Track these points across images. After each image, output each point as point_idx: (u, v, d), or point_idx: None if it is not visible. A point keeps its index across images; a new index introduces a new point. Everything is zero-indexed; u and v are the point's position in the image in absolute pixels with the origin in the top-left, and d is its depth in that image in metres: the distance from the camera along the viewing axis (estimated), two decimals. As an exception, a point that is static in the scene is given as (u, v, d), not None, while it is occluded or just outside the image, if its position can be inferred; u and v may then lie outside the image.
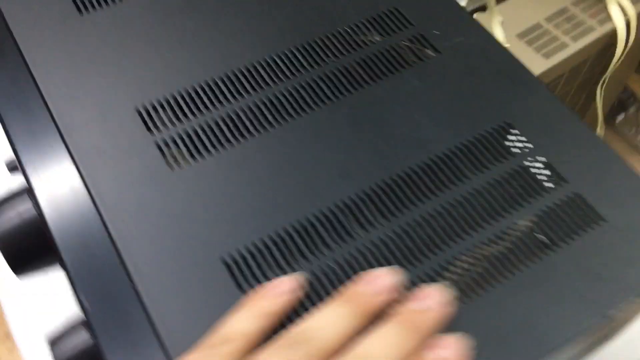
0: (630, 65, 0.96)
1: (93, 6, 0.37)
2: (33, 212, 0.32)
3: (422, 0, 0.38)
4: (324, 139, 0.34)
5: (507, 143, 0.34)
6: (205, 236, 0.31)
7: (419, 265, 0.30)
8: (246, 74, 0.36)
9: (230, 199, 0.32)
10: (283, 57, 0.36)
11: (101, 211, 0.31)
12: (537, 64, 0.84)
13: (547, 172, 0.33)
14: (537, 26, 0.87)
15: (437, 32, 0.36)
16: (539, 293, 0.30)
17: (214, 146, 0.33)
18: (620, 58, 0.91)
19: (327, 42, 0.37)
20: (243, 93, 0.35)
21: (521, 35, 0.86)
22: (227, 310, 0.29)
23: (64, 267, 0.30)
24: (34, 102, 0.33)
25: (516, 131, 0.35)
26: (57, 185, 0.32)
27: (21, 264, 0.34)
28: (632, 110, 1.12)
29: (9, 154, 0.34)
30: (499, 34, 0.80)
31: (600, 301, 0.29)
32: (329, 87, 0.35)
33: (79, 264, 0.30)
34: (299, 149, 0.34)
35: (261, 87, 0.35)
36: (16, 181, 0.34)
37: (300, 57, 0.36)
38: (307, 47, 0.37)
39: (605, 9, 0.89)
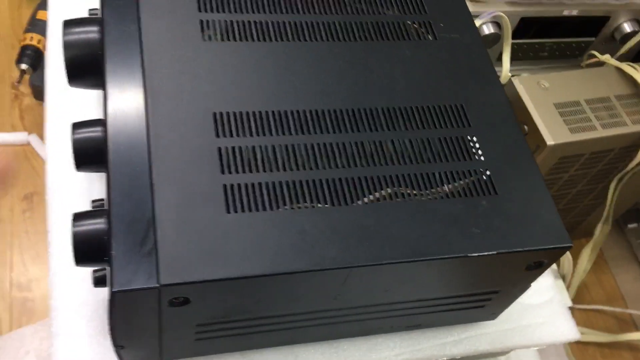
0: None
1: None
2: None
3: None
4: (320, 65, 0.44)
5: (454, 118, 0.44)
6: (206, 94, 0.41)
7: (350, 171, 0.40)
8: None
9: (236, 83, 0.42)
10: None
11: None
12: (561, 133, 0.91)
13: (477, 146, 0.43)
14: (576, 103, 0.94)
15: (442, 25, 0.46)
16: (427, 216, 0.39)
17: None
18: None
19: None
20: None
21: (558, 105, 0.93)
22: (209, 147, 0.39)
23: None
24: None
25: (465, 114, 0.44)
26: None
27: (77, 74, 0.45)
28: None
29: None
30: (506, 62, 0.88)
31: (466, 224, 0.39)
32: (343, 31, 0.46)
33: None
34: (303, 67, 0.44)
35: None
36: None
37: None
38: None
39: (643, 112, 0.94)
